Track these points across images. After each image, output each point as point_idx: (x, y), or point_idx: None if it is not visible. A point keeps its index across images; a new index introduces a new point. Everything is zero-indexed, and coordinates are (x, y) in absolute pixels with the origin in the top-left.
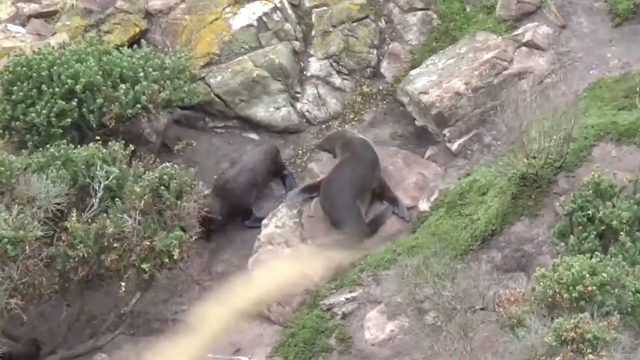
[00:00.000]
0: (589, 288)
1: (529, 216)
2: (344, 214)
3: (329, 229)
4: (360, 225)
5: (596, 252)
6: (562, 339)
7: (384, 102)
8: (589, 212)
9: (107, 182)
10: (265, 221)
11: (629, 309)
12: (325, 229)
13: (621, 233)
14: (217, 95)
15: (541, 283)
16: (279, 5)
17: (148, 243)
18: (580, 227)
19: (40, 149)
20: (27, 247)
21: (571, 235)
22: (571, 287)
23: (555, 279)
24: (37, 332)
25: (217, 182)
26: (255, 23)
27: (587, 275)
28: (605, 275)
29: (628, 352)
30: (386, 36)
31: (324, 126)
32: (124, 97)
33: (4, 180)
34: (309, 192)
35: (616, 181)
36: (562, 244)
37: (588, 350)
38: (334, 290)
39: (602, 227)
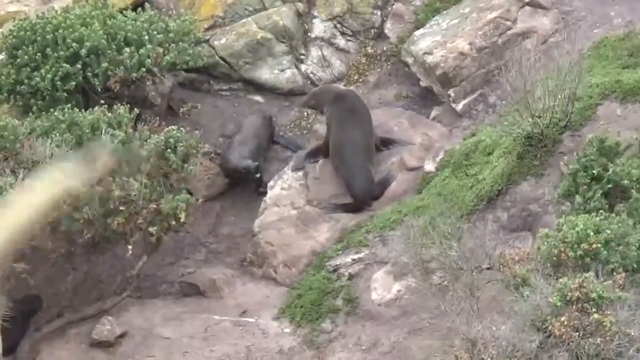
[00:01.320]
0: (594, 245)
1: (534, 176)
2: (359, 178)
3: (335, 190)
4: (371, 189)
5: (601, 211)
6: (567, 298)
7: (389, 63)
8: (594, 171)
9: (112, 145)
10: (271, 183)
11: (634, 266)
12: (331, 190)
13: (632, 190)
14: (222, 58)
15: (545, 242)
16: None
17: (154, 206)
18: (585, 187)
19: (45, 113)
20: None
21: (576, 195)
22: (576, 245)
23: (560, 237)
24: (43, 295)
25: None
26: None
27: (592, 233)
28: (609, 232)
29: (634, 309)
30: None
31: None
32: (128, 61)
33: (9, 145)
34: (314, 156)
35: (620, 139)
36: (568, 203)
37: (593, 310)
38: (340, 252)
39: (609, 186)
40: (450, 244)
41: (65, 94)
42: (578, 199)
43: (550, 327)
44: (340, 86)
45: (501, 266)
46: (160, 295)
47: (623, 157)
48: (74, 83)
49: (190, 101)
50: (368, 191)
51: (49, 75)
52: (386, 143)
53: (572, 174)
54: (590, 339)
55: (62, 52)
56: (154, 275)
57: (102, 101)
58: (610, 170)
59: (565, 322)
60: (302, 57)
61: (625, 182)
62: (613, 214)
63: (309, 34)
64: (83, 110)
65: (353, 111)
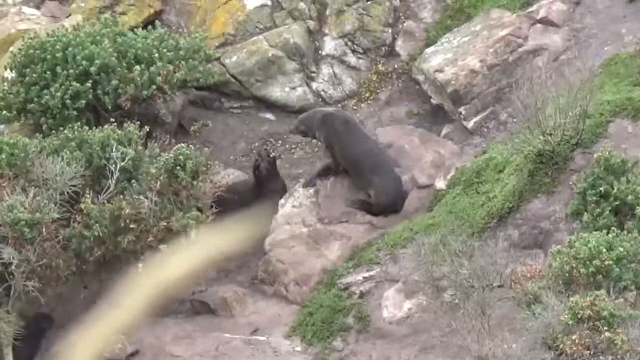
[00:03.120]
0: (606, 262)
1: (545, 193)
2: (391, 182)
3: (345, 208)
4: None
5: (612, 228)
6: (579, 316)
7: (400, 80)
8: (602, 188)
9: (123, 163)
10: (282, 201)
11: None
12: (342, 208)
13: (637, 207)
14: (233, 76)
15: (557, 259)
16: None
17: (165, 224)
18: (594, 204)
19: (55, 131)
20: (43, 230)
21: (585, 213)
22: (588, 262)
23: (572, 254)
24: (55, 314)
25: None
26: (269, 2)
27: (604, 250)
28: (622, 249)
29: None
30: (400, 14)
31: (339, 105)
32: (139, 79)
33: (19, 162)
34: (324, 175)
35: (628, 157)
36: (578, 222)
37: (604, 328)
38: (352, 270)
39: (617, 203)
40: (461, 262)
41: (75, 112)
42: (586, 216)
43: (561, 345)
44: (322, 108)
45: (512, 284)
46: (171, 314)
47: (632, 175)
48: (83, 101)
49: (201, 119)
50: (401, 194)
51: (58, 94)
52: None
53: (581, 193)
54: (601, 357)
55: (71, 70)
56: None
57: (113, 119)
58: (616, 188)
59: (577, 340)
60: (313, 74)
61: (630, 198)
62: (625, 231)
63: (319, 51)
64: (93, 128)
65: (350, 124)
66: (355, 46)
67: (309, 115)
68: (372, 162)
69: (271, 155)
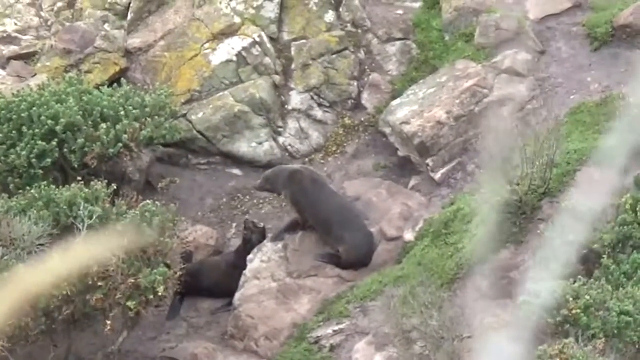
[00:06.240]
0: (574, 311)
1: (514, 243)
2: (364, 236)
3: (314, 262)
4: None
5: (579, 277)
6: None
7: (366, 133)
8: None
9: (90, 221)
10: (250, 256)
11: (614, 331)
12: (311, 262)
13: (603, 256)
14: (199, 132)
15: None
16: (257, 39)
17: (132, 280)
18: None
19: (22, 190)
20: None
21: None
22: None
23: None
24: None
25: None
26: (234, 58)
27: (571, 298)
28: (588, 297)
29: None
30: (366, 67)
31: (306, 159)
32: (105, 136)
33: None
34: (292, 230)
35: (596, 205)
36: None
37: None
38: (321, 323)
39: (584, 251)
40: (431, 313)
41: (41, 171)
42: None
43: None
44: (286, 165)
45: (482, 334)
46: None
47: (600, 223)
48: (49, 160)
49: (169, 175)
50: (372, 249)
51: (24, 153)
52: None
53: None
54: None
55: (37, 130)
56: (135, 350)
57: (80, 177)
58: (582, 235)
59: None
60: (279, 129)
61: (596, 246)
62: (592, 279)
63: (285, 106)
64: (61, 186)
65: (318, 182)
66: (321, 100)
67: (274, 172)
68: (341, 219)
69: (260, 226)
